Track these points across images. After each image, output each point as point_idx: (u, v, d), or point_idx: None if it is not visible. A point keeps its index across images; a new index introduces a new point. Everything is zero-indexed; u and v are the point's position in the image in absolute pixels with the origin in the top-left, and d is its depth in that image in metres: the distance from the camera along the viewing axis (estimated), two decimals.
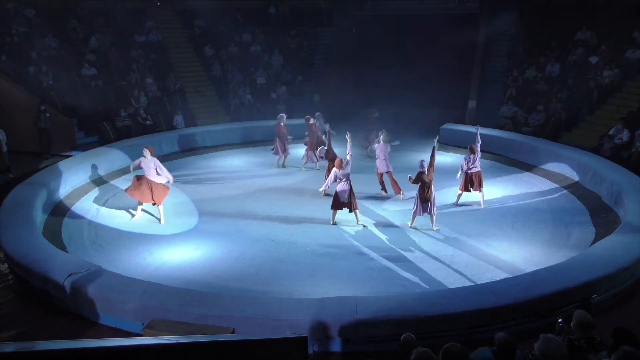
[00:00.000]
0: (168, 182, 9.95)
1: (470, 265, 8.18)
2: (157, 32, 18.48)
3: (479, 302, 6.32)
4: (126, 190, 9.94)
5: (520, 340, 4.47)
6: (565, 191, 11.27)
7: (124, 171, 12.50)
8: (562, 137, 14.13)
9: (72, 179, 11.48)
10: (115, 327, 6.62)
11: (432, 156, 9.42)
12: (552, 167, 12.47)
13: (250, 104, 17.45)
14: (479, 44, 18.14)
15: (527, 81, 16.18)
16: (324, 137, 12.62)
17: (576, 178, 11.70)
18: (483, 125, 13.38)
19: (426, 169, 9.18)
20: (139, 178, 9.75)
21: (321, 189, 10.65)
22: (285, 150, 13.25)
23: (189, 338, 4.66)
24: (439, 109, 17.09)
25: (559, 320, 4.47)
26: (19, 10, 16.40)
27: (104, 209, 10.56)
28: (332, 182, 9.68)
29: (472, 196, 10.58)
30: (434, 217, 9.37)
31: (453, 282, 7.64)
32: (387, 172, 11.03)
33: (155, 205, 9.89)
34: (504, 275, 7.69)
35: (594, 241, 8.60)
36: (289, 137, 13.19)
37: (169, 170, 10.10)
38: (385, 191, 11.19)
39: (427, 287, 7.52)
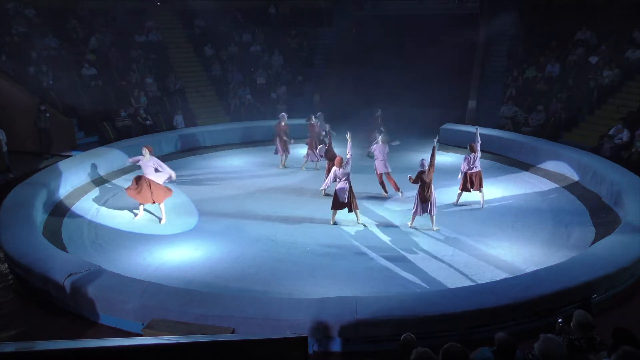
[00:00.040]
0: (169, 179, 9.96)
1: (470, 265, 8.18)
2: (157, 32, 18.49)
3: (479, 302, 6.32)
4: (127, 190, 9.94)
5: (520, 340, 4.46)
6: (565, 191, 11.27)
7: (124, 171, 12.54)
8: (562, 137, 14.13)
9: (72, 179, 11.48)
10: (115, 327, 6.62)
11: (432, 156, 9.42)
12: (552, 167, 12.46)
13: (250, 104, 17.45)
14: (479, 44, 18.14)
15: (527, 81, 16.18)
16: (324, 133, 12.62)
17: (576, 178, 11.70)
18: (483, 125, 13.42)
19: (427, 168, 9.19)
20: (139, 179, 9.75)
21: (321, 189, 10.67)
22: (286, 150, 13.26)
23: (189, 338, 4.65)
24: (439, 109, 17.05)
25: (559, 320, 4.47)
26: (19, 10, 16.40)
27: (104, 209, 10.56)
28: (332, 181, 9.68)
29: (472, 196, 10.57)
30: (434, 217, 9.37)
31: (453, 282, 7.64)
32: (385, 174, 11.02)
33: (156, 204, 9.89)
34: (504, 275, 7.69)
35: (594, 241, 8.60)
36: (289, 139, 13.17)
37: None
38: (386, 191, 11.18)
39: (427, 287, 7.52)
